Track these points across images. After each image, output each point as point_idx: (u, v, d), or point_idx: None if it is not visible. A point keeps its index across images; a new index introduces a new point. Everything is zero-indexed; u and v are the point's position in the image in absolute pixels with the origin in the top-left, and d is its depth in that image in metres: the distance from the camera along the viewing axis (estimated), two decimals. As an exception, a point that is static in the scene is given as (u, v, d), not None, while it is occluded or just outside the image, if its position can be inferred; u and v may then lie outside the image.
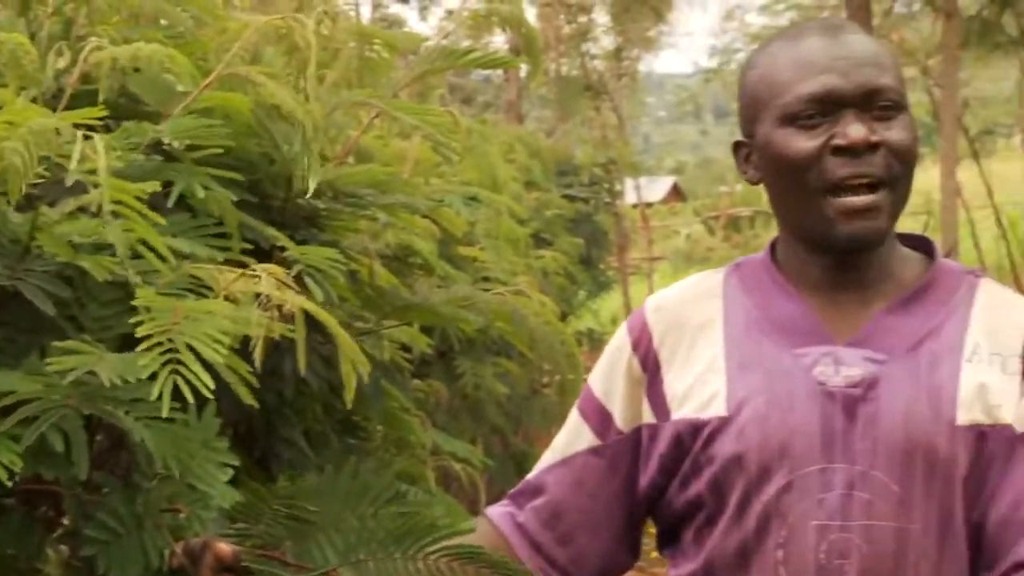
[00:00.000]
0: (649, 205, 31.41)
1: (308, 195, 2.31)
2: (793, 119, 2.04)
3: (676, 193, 45.22)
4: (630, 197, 23.55)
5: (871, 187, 2.01)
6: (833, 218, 2.02)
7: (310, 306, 1.92)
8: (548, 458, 2.25)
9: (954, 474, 2.01)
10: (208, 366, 1.68)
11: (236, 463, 1.86)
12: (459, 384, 4.46)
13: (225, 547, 1.80)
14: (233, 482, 1.85)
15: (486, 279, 4.23)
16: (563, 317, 8.18)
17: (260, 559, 1.86)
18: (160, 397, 1.66)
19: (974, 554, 2.03)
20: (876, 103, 2.02)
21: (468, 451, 3.71)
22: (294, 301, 1.87)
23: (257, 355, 1.83)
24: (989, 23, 16.04)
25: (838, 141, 2.00)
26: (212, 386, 1.68)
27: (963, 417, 2.01)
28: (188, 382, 1.66)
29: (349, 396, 2.00)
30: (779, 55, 2.09)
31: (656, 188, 42.73)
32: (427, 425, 3.33)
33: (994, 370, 2.04)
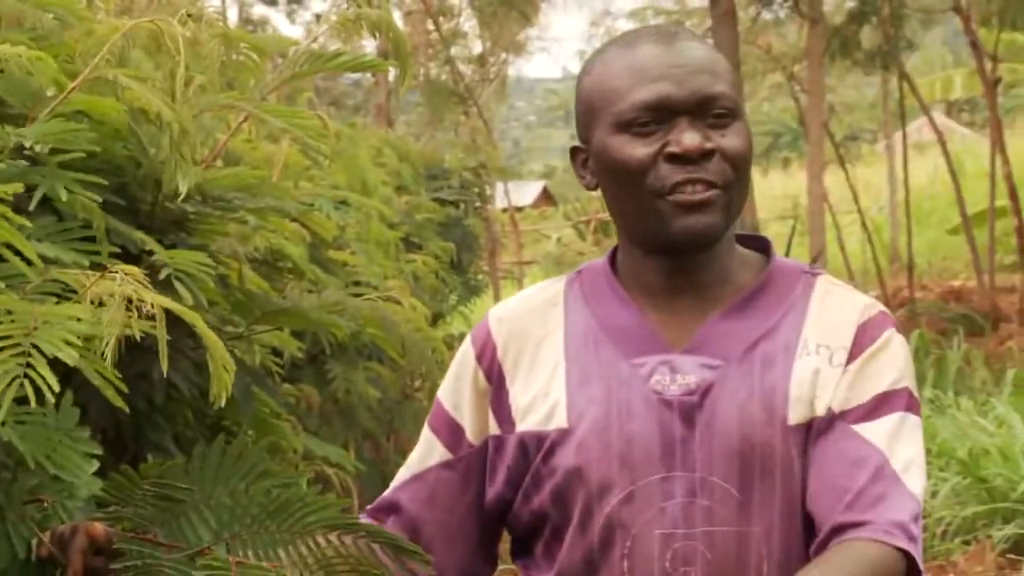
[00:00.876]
0: (519, 209, 31.49)
1: (180, 198, 2.29)
2: (627, 126, 2.03)
3: (546, 197, 45.23)
4: (500, 201, 23.57)
5: (706, 187, 2.01)
6: (668, 213, 2.01)
7: (171, 305, 1.90)
8: (403, 474, 2.23)
9: (793, 473, 2.03)
10: (75, 370, 1.67)
11: (99, 452, 1.84)
12: (330, 388, 4.44)
13: (98, 526, 1.80)
14: (101, 477, 1.84)
15: (357, 283, 4.23)
16: (434, 321, 8.17)
17: (132, 541, 1.84)
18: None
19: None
20: (710, 111, 2.03)
21: (340, 456, 3.70)
22: (155, 301, 1.85)
23: (108, 354, 1.81)
24: (849, 39, 16.31)
25: (672, 148, 2.01)
26: (57, 389, 1.67)
27: (794, 417, 2.03)
28: (35, 386, 1.65)
29: (219, 394, 1.98)
30: (614, 62, 2.08)
31: (526, 192, 42.76)
32: (299, 430, 3.32)
33: (821, 361, 2.05)
